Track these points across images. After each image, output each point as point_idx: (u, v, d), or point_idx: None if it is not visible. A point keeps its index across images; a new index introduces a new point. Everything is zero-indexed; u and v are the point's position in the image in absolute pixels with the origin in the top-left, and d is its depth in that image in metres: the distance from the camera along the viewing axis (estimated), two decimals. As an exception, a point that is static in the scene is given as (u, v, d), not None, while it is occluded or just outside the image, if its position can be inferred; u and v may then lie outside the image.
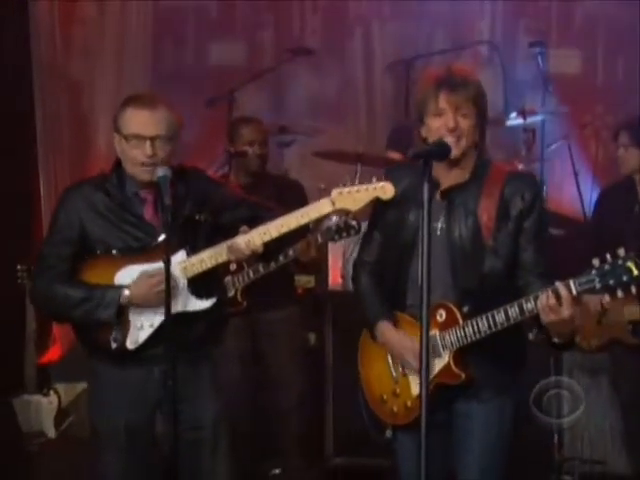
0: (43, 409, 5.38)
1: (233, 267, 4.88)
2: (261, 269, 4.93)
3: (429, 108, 3.54)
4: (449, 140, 3.47)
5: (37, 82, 6.67)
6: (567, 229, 6.19)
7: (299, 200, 4.70)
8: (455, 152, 3.48)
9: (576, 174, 6.42)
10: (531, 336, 5.77)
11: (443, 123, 3.50)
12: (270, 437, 5.40)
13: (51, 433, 5.37)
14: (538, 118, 6.41)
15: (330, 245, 5.23)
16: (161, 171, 3.60)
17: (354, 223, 4.67)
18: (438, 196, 3.56)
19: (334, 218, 4.68)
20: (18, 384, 5.43)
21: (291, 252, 4.80)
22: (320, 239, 4.83)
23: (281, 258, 4.82)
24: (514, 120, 6.43)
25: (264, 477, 5.44)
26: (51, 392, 5.41)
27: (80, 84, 7.14)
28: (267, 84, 7.01)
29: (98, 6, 7.16)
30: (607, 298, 4.11)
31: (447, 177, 3.59)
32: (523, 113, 6.38)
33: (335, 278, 6.01)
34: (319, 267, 5.61)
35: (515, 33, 7.06)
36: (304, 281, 5.84)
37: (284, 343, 5.34)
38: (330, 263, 5.82)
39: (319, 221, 4.66)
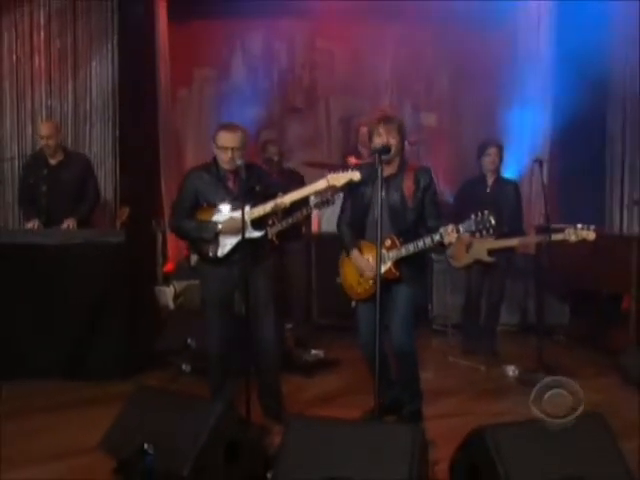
0: (167, 293, 5.33)
1: (271, 223, 4.59)
2: (284, 224, 4.66)
3: (374, 132, 3.51)
4: None
5: (161, 133, 6.50)
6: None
7: (301, 183, 4.37)
8: (389, 155, 3.46)
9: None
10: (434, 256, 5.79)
11: (381, 140, 3.48)
12: (285, 308, 5.21)
13: (171, 306, 5.32)
14: (415, 146, 6.27)
15: (314, 212, 4.93)
16: (239, 162, 3.54)
17: (330, 199, 4.45)
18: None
19: (321, 196, 4.46)
20: (155, 281, 5.45)
21: (292, 219, 4.59)
22: (313, 208, 4.62)
23: (290, 220, 4.57)
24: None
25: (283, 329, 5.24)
26: (171, 285, 5.37)
27: (179, 130, 7.02)
28: (276, 128, 6.93)
29: (187, 90, 7.08)
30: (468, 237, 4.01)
31: (386, 170, 3.53)
32: (409, 143, 6.06)
33: (315, 226, 6.03)
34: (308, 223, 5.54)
35: (404, 103, 7.00)
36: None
37: (295, 259, 5.24)
38: (313, 219, 5.81)
39: (314, 197, 4.50)
